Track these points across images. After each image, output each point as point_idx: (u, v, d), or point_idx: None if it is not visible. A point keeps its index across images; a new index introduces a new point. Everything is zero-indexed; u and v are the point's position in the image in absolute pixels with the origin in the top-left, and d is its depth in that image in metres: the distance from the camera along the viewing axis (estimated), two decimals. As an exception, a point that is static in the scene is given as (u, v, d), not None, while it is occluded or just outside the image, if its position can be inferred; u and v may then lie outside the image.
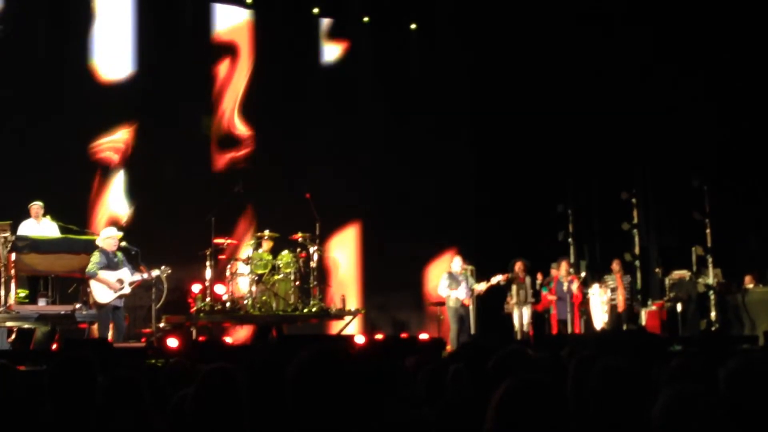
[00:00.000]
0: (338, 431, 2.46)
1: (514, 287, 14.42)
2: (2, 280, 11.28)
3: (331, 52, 17.19)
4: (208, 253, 13.43)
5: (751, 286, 15.49)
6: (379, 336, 13.04)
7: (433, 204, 16.98)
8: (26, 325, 11.59)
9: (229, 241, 13.81)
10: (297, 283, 13.89)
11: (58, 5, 14.49)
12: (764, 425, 3.12)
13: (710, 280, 15.54)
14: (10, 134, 13.79)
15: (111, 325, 11.23)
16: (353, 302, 15.08)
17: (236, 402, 3.17)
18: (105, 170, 14.68)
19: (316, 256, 14.11)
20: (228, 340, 11.98)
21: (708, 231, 15.66)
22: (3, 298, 11.24)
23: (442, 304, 14.40)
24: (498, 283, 14.36)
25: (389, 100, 17.07)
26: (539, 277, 14.61)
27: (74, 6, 14.76)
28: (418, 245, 16.12)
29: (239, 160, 15.79)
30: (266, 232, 13.94)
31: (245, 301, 13.45)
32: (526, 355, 4.12)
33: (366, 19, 17.23)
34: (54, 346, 11.12)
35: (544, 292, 14.50)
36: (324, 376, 2.49)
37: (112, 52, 14.98)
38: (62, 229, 12.30)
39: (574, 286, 14.27)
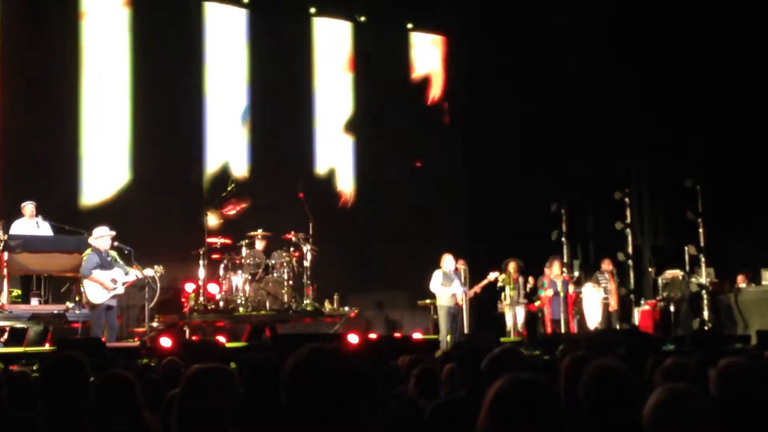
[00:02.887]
0: (333, 429, 2.46)
1: (507, 287, 14.42)
2: (-6, 279, 11.26)
3: (327, 51, 17.17)
4: (201, 252, 13.41)
5: (743, 285, 15.52)
6: (372, 335, 13.04)
7: (426, 203, 16.99)
8: (19, 325, 11.56)
9: (222, 240, 13.79)
10: (290, 282, 13.88)
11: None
12: (753, 424, 3.13)
13: (703, 280, 15.55)
14: (3, 134, 13.77)
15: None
16: (347, 302, 15.05)
17: (222, 402, 3.14)
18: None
19: (309, 256, 14.10)
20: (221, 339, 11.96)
21: (701, 231, 15.66)
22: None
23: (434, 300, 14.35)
24: (495, 279, 14.34)
25: (381, 99, 17.08)
26: (531, 280, 14.59)
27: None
28: (411, 244, 16.10)
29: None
30: (259, 232, 13.93)
31: (238, 301, 13.43)
32: (520, 354, 4.13)
33: (363, 18, 17.23)
34: (46, 346, 11.09)
35: (541, 295, 14.49)
36: (319, 375, 2.49)
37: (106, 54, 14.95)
38: (55, 229, 12.27)
39: (570, 289, 14.29)
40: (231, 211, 14.90)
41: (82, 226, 12.11)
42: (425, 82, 17.99)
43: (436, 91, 18.03)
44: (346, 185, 16.97)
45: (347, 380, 2.49)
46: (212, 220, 14.02)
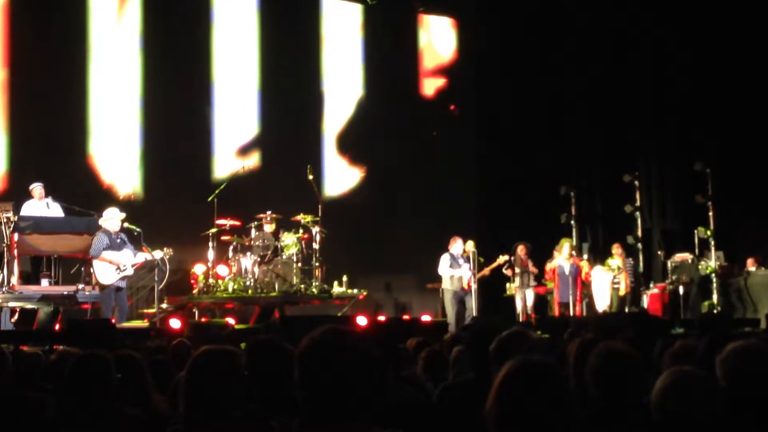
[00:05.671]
0: (343, 410, 2.47)
1: (517, 270, 14.40)
2: (5, 260, 11.30)
3: (335, 35, 17.11)
4: (210, 234, 13.43)
5: (753, 269, 15.48)
6: (381, 318, 13.05)
7: (435, 186, 16.97)
8: (29, 306, 11.62)
9: (231, 222, 13.80)
10: (299, 264, 13.89)
11: None
12: (761, 407, 3.12)
13: (712, 263, 15.52)
14: (12, 116, 13.80)
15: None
16: (355, 284, 15.08)
17: (228, 383, 3.14)
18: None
19: (318, 238, 14.11)
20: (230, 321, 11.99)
21: (711, 214, 15.61)
22: (6, 279, 11.27)
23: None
24: (505, 262, 14.29)
25: (391, 82, 17.04)
26: (533, 269, 14.55)
27: None
28: (420, 227, 16.11)
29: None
30: (268, 214, 13.94)
31: (247, 283, 13.46)
32: (529, 337, 4.12)
33: (372, 0, 17.15)
34: (57, 327, 11.15)
35: (547, 268, 14.45)
36: (333, 355, 2.49)
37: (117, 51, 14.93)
38: (65, 210, 12.30)
39: (584, 264, 14.25)
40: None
41: (91, 207, 12.14)
42: (435, 64, 17.93)
43: (446, 73, 17.95)
44: (355, 167, 16.94)
45: (359, 362, 2.49)
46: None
